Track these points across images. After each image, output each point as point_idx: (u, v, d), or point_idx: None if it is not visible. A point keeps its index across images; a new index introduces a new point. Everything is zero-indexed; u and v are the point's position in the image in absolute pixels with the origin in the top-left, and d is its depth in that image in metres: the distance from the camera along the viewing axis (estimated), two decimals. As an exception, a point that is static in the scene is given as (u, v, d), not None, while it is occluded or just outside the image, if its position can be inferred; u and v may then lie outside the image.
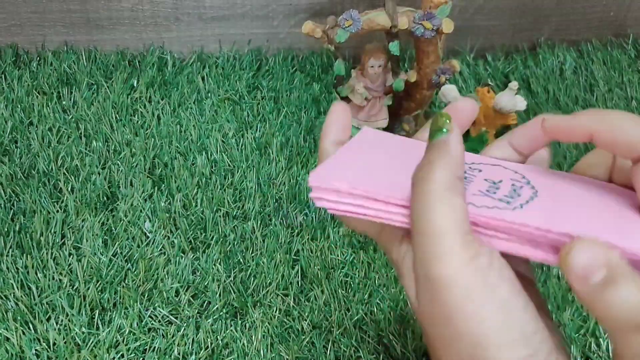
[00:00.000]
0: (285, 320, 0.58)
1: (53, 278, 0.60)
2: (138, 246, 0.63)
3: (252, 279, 0.61)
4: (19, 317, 0.57)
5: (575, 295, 0.26)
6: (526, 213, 0.27)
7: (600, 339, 0.58)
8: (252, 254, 0.63)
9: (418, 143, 0.33)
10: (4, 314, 0.57)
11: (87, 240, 0.63)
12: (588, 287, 0.25)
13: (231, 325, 0.58)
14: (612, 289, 0.24)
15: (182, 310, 0.58)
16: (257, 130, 0.76)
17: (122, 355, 0.55)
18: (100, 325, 0.57)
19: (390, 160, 0.31)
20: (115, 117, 0.77)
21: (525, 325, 0.26)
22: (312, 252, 0.64)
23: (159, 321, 0.58)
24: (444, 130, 0.28)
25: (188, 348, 0.56)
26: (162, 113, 0.78)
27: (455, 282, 0.26)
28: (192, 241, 0.64)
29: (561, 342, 0.28)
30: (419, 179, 0.27)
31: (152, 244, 0.63)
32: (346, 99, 0.71)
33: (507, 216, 0.27)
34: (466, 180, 0.30)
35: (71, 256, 0.62)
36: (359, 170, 0.30)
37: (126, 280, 0.60)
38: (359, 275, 0.62)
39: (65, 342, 0.56)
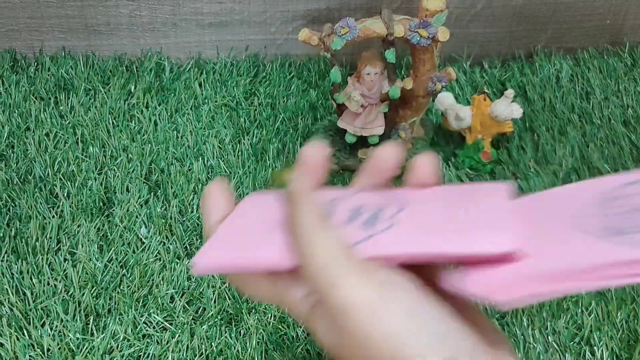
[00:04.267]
0: (280, 327, 0.58)
1: (48, 283, 0.60)
2: (133, 252, 0.63)
3: (247, 285, 0.61)
4: (13, 323, 0.57)
5: None
6: (386, 238, 0.28)
7: (595, 347, 0.58)
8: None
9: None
10: (-1, 319, 0.57)
11: (82, 246, 0.63)
12: None
13: (226, 332, 0.58)
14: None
15: (177, 316, 0.58)
16: (253, 136, 0.77)
17: (117, 362, 0.55)
18: (94, 331, 0.57)
19: (268, 223, 0.31)
20: (112, 123, 0.77)
21: (438, 327, 0.25)
22: (307, 258, 0.64)
23: (154, 327, 0.58)
24: (286, 183, 0.30)
25: (182, 354, 0.56)
26: (159, 119, 0.78)
27: (355, 303, 0.26)
28: (188, 247, 0.64)
29: (499, 341, 0.27)
30: (291, 228, 0.29)
31: (148, 249, 0.63)
32: (342, 106, 0.71)
33: (365, 246, 0.28)
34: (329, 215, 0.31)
35: (66, 262, 0.62)
36: (241, 241, 0.30)
37: (121, 286, 0.60)
38: (354, 282, 0.62)
39: (59, 348, 0.56)
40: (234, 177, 0.71)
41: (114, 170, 0.71)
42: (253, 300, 0.33)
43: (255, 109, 0.81)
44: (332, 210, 0.31)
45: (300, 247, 0.28)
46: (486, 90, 0.76)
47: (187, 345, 0.56)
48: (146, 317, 0.58)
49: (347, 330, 0.26)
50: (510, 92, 0.71)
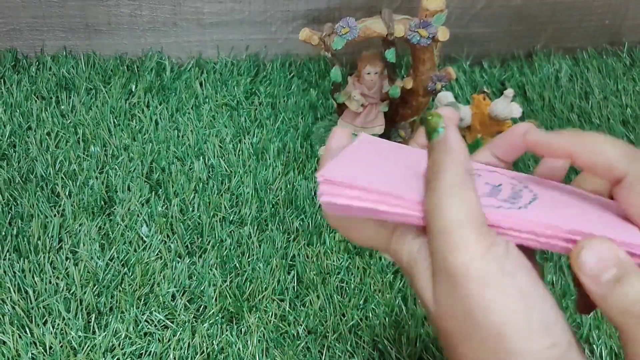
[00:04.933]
0: (280, 325, 0.59)
1: (50, 282, 0.60)
2: (135, 250, 0.63)
3: (248, 284, 0.61)
4: (15, 321, 0.57)
5: (589, 293, 0.27)
6: (531, 212, 0.28)
7: (594, 345, 0.58)
8: (249, 259, 0.64)
9: (414, 149, 0.34)
10: (1, 317, 0.57)
11: (84, 245, 0.64)
12: (600, 285, 0.25)
13: (227, 330, 0.58)
14: (623, 285, 0.25)
15: (178, 314, 0.59)
16: (254, 135, 0.77)
17: (118, 359, 0.55)
18: (96, 329, 0.57)
19: (393, 164, 0.31)
20: (114, 122, 0.77)
21: (546, 314, 0.26)
22: (308, 257, 0.64)
23: (155, 325, 0.58)
24: (439, 129, 0.28)
25: (184, 352, 0.56)
26: (160, 118, 0.78)
27: (473, 271, 0.26)
28: (189, 246, 0.65)
29: (576, 338, 0.28)
30: (430, 180, 0.28)
31: (149, 248, 0.64)
32: (342, 105, 0.72)
33: (514, 214, 0.28)
34: None
35: (68, 260, 0.62)
36: (367, 170, 0.30)
37: (122, 285, 0.61)
38: (354, 281, 0.62)
39: (61, 346, 0.56)
40: (234, 177, 0.71)
41: (115, 169, 0.72)
42: (353, 242, 0.32)
43: (256, 109, 0.81)
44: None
45: (435, 200, 0.27)
46: (486, 90, 0.76)
47: (188, 343, 0.57)
48: (147, 315, 0.59)
49: (457, 295, 0.26)
50: (509, 92, 0.72)
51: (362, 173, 0.29)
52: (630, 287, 0.25)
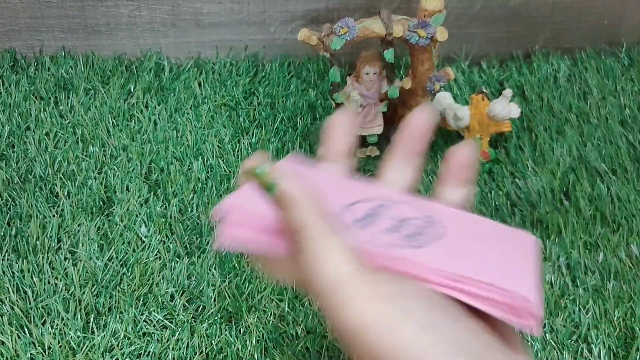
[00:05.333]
0: (279, 325, 0.59)
1: (49, 282, 0.60)
2: (134, 251, 0.63)
3: (247, 284, 0.61)
4: (14, 321, 0.57)
5: None
6: (426, 253, 0.27)
7: (592, 345, 0.58)
8: (247, 259, 0.64)
9: (329, 173, 0.33)
10: (0, 318, 0.57)
11: (82, 245, 0.64)
12: None
13: (226, 330, 0.58)
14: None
15: (177, 314, 0.59)
16: (253, 135, 0.77)
17: (117, 360, 0.55)
18: (95, 330, 0.57)
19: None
20: (112, 122, 0.77)
21: (452, 333, 0.25)
22: (306, 257, 0.64)
23: (154, 326, 0.58)
24: (273, 184, 0.26)
25: (183, 352, 0.56)
26: (159, 118, 0.78)
27: (366, 324, 0.25)
28: (188, 246, 0.65)
29: (514, 339, 0.27)
30: (294, 242, 0.26)
31: (148, 248, 0.64)
32: (341, 105, 0.72)
33: (404, 254, 0.27)
34: (373, 216, 0.29)
35: (67, 260, 0.62)
36: (258, 224, 0.29)
37: (121, 285, 0.61)
38: (353, 281, 0.62)
39: (60, 346, 0.56)
40: (233, 177, 0.71)
41: (114, 169, 0.72)
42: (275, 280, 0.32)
43: (255, 109, 0.81)
44: (378, 209, 0.30)
45: (307, 263, 0.26)
46: (484, 90, 0.76)
47: (187, 343, 0.57)
48: (146, 316, 0.59)
49: (361, 350, 0.25)
50: (508, 92, 0.72)
51: (254, 230, 0.29)
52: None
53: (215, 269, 0.62)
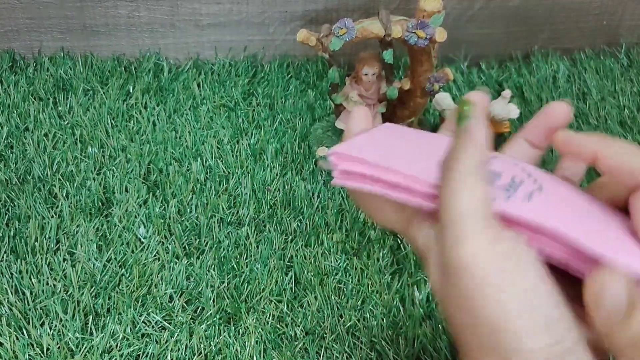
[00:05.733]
0: (278, 326, 0.59)
1: (47, 283, 0.60)
2: (132, 252, 0.63)
3: (246, 285, 0.61)
4: (12, 322, 0.57)
5: (594, 323, 0.26)
6: (532, 205, 0.28)
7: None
8: (246, 260, 0.64)
9: (437, 136, 0.34)
10: (-2, 319, 0.57)
11: (81, 246, 0.64)
12: (612, 319, 0.25)
13: (224, 331, 0.58)
14: (630, 320, 0.25)
15: (176, 316, 0.59)
16: (252, 136, 0.77)
17: (116, 361, 0.55)
18: (93, 331, 0.57)
19: (412, 147, 0.31)
20: (111, 123, 0.77)
21: (548, 312, 0.25)
22: (305, 258, 0.64)
23: (153, 327, 0.58)
24: (467, 117, 0.28)
25: (181, 354, 0.56)
26: (158, 119, 0.78)
27: (475, 265, 0.26)
28: (187, 247, 0.65)
29: (598, 340, 0.27)
30: (445, 167, 0.28)
31: (147, 249, 0.64)
32: (340, 106, 0.72)
33: (516, 206, 0.27)
34: (495, 175, 0.30)
35: (65, 262, 0.62)
36: (385, 150, 0.30)
37: (120, 286, 0.61)
38: (352, 282, 0.62)
39: (58, 348, 0.56)
40: (232, 178, 0.71)
41: (113, 170, 0.71)
42: (375, 221, 0.33)
43: (254, 110, 0.81)
44: (499, 172, 0.30)
45: (448, 187, 0.27)
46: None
47: (186, 344, 0.57)
48: (145, 317, 0.58)
49: (460, 288, 0.26)
50: (507, 93, 0.72)
51: (377, 151, 0.29)
52: (636, 323, 0.25)
53: (214, 270, 0.62)
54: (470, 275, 0.26)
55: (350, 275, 0.63)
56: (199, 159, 0.73)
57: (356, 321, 0.59)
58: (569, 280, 0.30)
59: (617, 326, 0.25)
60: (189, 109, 0.80)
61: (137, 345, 0.56)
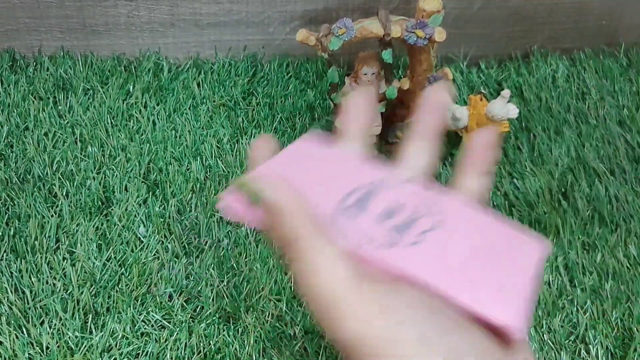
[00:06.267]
0: (277, 325, 0.59)
1: (47, 282, 0.61)
2: (132, 251, 0.64)
3: (245, 284, 0.62)
4: (12, 321, 0.57)
5: None
6: (409, 254, 0.27)
7: (590, 345, 0.59)
8: (246, 259, 0.64)
9: (345, 155, 0.32)
10: (-2, 317, 0.58)
11: (81, 245, 0.64)
12: None
13: (224, 330, 0.58)
14: None
15: (175, 315, 0.59)
16: (251, 136, 0.77)
17: (115, 360, 0.56)
18: (93, 330, 0.57)
19: (312, 175, 0.30)
20: (111, 123, 0.77)
21: (449, 343, 0.25)
22: (305, 257, 0.64)
23: (152, 326, 0.58)
24: (258, 195, 0.26)
25: (181, 353, 0.56)
26: (158, 118, 0.78)
27: (365, 338, 0.25)
28: (186, 246, 0.65)
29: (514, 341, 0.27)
30: (283, 247, 0.26)
31: (146, 248, 0.64)
32: (340, 105, 0.72)
33: (387, 256, 0.27)
34: (365, 201, 0.29)
35: (65, 260, 0.62)
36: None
37: (120, 285, 0.61)
38: (351, 281, 0.62)
39: (58, 346, 0.56)
40: (232, 177, 0.72)
41: (113, 169, 0.72)
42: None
43: (253, 109, 0.81)
44: (372, 192, 0.29)
45: (301, 270, 0.26)
46: (482, 91, 0.76)
47: (186, 343, 0.57)
48: (145, 316, 0.59)
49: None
50: (506, 92, 0.72)
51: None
52: None
53: (213, 269, 0.62)
54: (362, 349, 0.24)
55: (349, 274, 0.63)
56: (198, 158, 0.73)
57: (355, 320, 0.59)
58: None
59: None
60: (189, 108, 0.80)
61: (136, 344, 0.57)
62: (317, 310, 0.26)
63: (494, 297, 0.26)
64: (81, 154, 0.73)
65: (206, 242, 0.65)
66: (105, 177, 0.71)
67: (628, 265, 0.65)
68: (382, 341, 0.24)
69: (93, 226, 0.65)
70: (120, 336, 0.57)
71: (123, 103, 0.80)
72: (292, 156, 0.32)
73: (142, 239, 0.65)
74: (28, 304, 0.59)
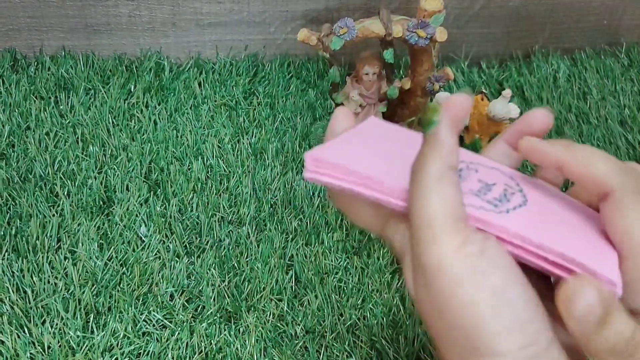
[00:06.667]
0: (278, 325, 0.59)
1: (48, 282, 0.61)
2: (133, 250, 0.64)
3: (247, 283, 0.62)
4: (14, 321, 0.57)
5: (571, 332, 0.26)
6: (509, 218, 0.28)
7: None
8: (247, 259, 0.64)
9: (418, 135, 0.34)
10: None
11: (82, 245, 0.64)
12: (586, 327, 0.25)
13: (225, 330, 0.58)
14: (608, 325, 0.25)
15: (177, 314, 0.59)
16: (252, 135, 0.77)
17: (117, 359, 0.56)
18: (94, 329, 0.57)
19: (392, 150, 0.31)
20: (112, 122, 0.77)
21: (520, 314, 0.25)
22: (306, 257, 0.64)
23: (154, 325, 0.58)
24: (434, 121, 0.28)
25: (182, 352, 0.56)
26: (159, 118, 0.78)
27: (444, 269, 0.26)
28: (187, 246, 0.65)
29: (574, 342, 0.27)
30: (414, 172, 0.28)
31: (148, 248, 0.64)
32: (341, 105, 0.72)
33: (490, 218, 0.28)
34: (460, 178, 0.30)
35: (67, 260, 0.62)
36: (358, 153, 0.30)
37: (121, 285, 0.61)
38: (352, 281, 0.62)
39: (59, 346, 0.56)
40: (233, 177, 0.72)
41: (114, 169, 0.72)
42: (353, 223, 0.33)
43: (254, 109, 0.81)
44: (465, 172, 0.31)
45: (416, 192, 0.27)
46: (484, 90, 0.76)
47: (187, 342, 0.57)
48: (146, 315, 0.59)
49: (432, 290, 0.26)
50: (507, 92, 0.72)
51: (351, 155, 0.30)
52: (615, 326, 0.25)
53: (214, 268, 0.63)
54: (442, 277, 0.26)
55: (350, 274, 0.63)
56: (200, 158, 0.73)
57: (356, 320, 0.59)
58: (545, 282, 0.30)
59: (591, 334, 0.25)
60: (190, 108, 0.80)
61: (138, 343, 0.57)
62: (415, 229, 0.27)
63: (598, 257, 0.27)
64: (82, 153, 0.73)
65: (207, 242, 0.65)
66: (106, 177, 0.71)
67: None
68: (461, 277, 0.26)
69: (94, 226, 0.66)
70: (121, 336, 0.57)
71: (124, 103, 0.80)
72: (369, 131, 0.33)
73: (143, 238, 0.65)
74: (29, 303, 0.59)
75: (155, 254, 0.64)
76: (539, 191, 0.31)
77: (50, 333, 0.57)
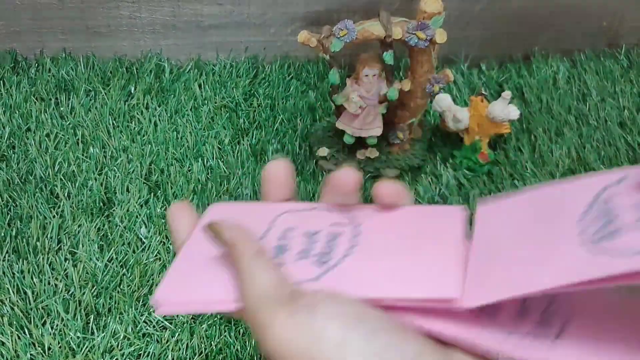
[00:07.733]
0: (278, 326, 0.59)
1: (49, 283, 0.61)
2: (134, 252, 0.64)
3: (247, 285, 0.62)
4: (14, 322, 0.57)
5: None
6: (334, 277, 0.28)
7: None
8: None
9: (269, 207, 0.34)
10: (0, 318, 0.58)
11: (83, 246, 0.64)
12: None
13: (225, 331, 0.58)
14: None
15: (177, 315, 0.59)
16: (252, 137, 0.77)
17: (117, 360, 0.56)
18: (95, 330, 0.58)
19: (220, 258, 0.31)
20: (113, 124, 0.78)
21: (372, 345, 0.25)
22: (306, 258, 0.64)
23: (154, 326, 0.58)
24: (221, 233, 0.30)
25: (182, 353, 0.56)
26: (159, 120, 0.79)
27: (286, 341, 0.26)
28: (187, 247, 0.65)
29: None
30: (233, 266, 0.29)
31: (148, 249, 0.64)
32: (341, 107, 0.72)
33: (324, 281, 0.28)
34: (283, 250, 0.30)
35: (67, 261, 0.62)
36: (195, 280, 0.30)
37: (121, 286, 0.61)
38: (352, 282, 0.62)
39: (60, 347, 0.56)
40: (233, 178, 0.72)
41: (114, 170, 0.72)
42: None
43: (255, 110, 0.81)
44: (289, 236, 0.31)
45: (240, 289, 0.28)
46: (484, 92, 0.76)
47: (187, 344, 0.57)
48: (146, 316, 0.59)
49: None
50: (507, 94, 0.72)
51: (186, 286, 0.30)
52: None
53: (214, 270, 0.63)
54: (287, 354, 0.26)
55: (350, 275, 0.63)
56: (200, 159, 0.73)
57: (356, 321, 0.59)
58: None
59: None
60: (190, 109, 0.80)
61: (138, 344, 0.57)
62: (248, 318, 0.27)
63: (428, 281, 0.27)
64: (83, 155, 0.73)
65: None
66: (106, 178, 0.71)
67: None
68: (300, 349, 0.26)
69: (95, 227, 0.66)
70: (121, 337, 0.57)
71: (125, 104, 0.80)
72: (199, 247, 0.32)
73: (143, 239, 0.65)
74: (30, 304, 0.59)
75: (156, 255, 0.64)
76: (374, 220, 0.31)
77: (50, 334, 0.57)
